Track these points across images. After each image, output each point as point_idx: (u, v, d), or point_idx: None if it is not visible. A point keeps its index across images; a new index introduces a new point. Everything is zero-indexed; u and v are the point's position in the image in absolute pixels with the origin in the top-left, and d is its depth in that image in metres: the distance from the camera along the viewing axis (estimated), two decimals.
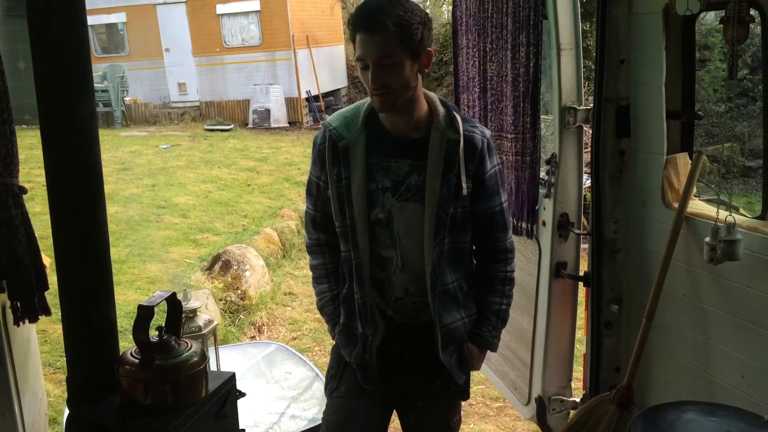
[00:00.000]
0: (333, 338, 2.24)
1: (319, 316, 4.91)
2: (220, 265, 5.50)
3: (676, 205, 2.32)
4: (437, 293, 2.03)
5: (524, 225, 2.75)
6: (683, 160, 2.40)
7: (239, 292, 5.32)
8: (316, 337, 4.94)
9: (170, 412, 1.45)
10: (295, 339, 4.96)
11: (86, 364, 1.53)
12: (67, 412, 2.49)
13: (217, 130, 13.22)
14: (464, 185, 2.00)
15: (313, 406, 2.73)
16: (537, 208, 2.71)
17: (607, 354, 2.53)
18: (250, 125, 13.78)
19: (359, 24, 1.86)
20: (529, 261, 2.79)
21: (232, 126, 13.58)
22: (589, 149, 2.59)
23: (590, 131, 2.60)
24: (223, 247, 5.91)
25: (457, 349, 2.11)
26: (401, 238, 2.04)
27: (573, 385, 2.84)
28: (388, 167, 2.01)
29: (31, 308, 1.95)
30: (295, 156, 10.57)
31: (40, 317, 1.99)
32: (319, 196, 2.13)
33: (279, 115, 13.81)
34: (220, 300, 5.12)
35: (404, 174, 2.01)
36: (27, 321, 1.95)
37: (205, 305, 4.48)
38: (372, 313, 2.08)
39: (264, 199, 8.10)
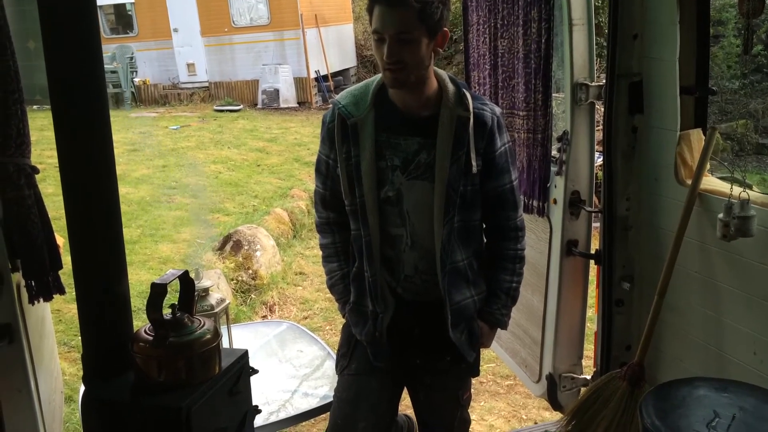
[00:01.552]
0: (343, 316, 2.25)
1: (329, 295, 4.94)
2: (231, 245, 5.53)
3: (689, 181, 2.30)
4: (447, 271, 2.04)
5: (535, 203, 2.73)
6: (697, 137, 2.38)
7: (250, 272, 5.35)
8: (327, 316, 4.97)
9: (184, 389, 1.46)
10: (306, 318, 4.99)
11: (101, 341, 1.54)
12: (82, 389, 2.53)
13: (227, 110, 13.21)
14: (474, 163, 1.99)
15: (325, 384, 2.75)
16: (548, 185, 2.69)
17: (618, 332, 2.53)
18: (259, 105, 13.76)
19: None
20: (540, 239, 2.78)
21: (241, 106, 13.56)
22: (601, 126, 2.57)
23: (602, 108, 2.57)
24: (234, 227, 5.94)
25: (467, 326, 2.11)
26: (411, 216, 2.04)
27: (584, 363, 2.84)
28: (397, 145, 2.01)
29: (45, 287, 1.96)
30: (305, 136, 10.56)
31: (54, 296, 2.01)
32: (329, 175, 2.13)
33: (288, 95, 13.77)
34: (232, 280, 5.16)
35: (413, 152, 2.00)
36: (41, 300, 1.97)
37: (216, 285, 4.50)
38: (382, 290, 2.09)
39: (274, 179, 8.11)
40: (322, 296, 5.29)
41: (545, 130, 2.67)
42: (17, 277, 1.94)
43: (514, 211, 2.12)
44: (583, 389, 2.65)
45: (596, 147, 2.74)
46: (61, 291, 2.01)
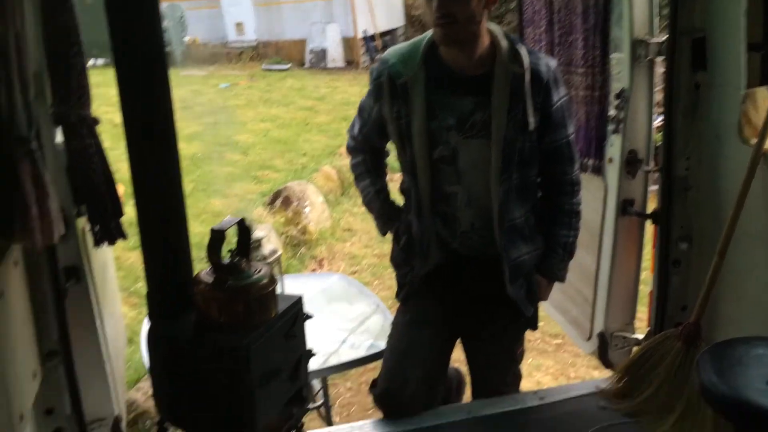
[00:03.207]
0: (382, 234, 2.27)
1: (378, 251, 4.99)
2: (281, 200, 5.61)
3: (753, 141, 2.22)
4: (505, 229, 2.03)
5: (591, 162, 2.68)
6: (763, 95, 2.28)
7: (300, 227, 5.42)
8: (376, 272, 5.02)
9: (243, 330, 1.50)
10: (354, 273, 5.05)
11: (164, 282, 1.60)
12: (143, 330, 2.62)
13: (275, 69, 13.25)
14: (531, 120, 1.96)
15: (371, 337, 2.77)
16: (604, 144, 2.64)
17: (674, 292, 2.49)
18: (306, 65, 13.76)
19: None
20: (594, 198, 2.73)
21: (289, 65, 13.58)
22: (662, 84, 2.49)
23: (663, 65, 2.50)
24: (284, 183, 6.01)
25: (525, 281, 2.11)
26: (466, 174, 2.02)
27: (636, 325, 2.81)
28: (450, 105, 1.97)
29: (108, 232, 2.04)
30: (352, 95, 10.54)
31: (117, 241, 2.08)
32: (366, 122, 2.14)
33: (335, 55, 13.72)
34: (282, 234, 5.25)
35: (468, 111, 1.97)
36: (105, 243, 2.05)
37: (267, 238, 4.58)
38: (428, 246, 2.09)
39: (322, 137, 8.15)
40: (370, 252, 5.35)
41: (603, 87, 2.60)
42: (82, 222, 2.02)
43: (570, 165, 2.09)
44: (635, 348, 2.63)
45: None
46: (124, 236, 2.09)
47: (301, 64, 13.90)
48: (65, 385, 1.93)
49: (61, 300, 1.87)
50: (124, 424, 2.24)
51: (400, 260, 2.20)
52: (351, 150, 2.27)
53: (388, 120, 2.03)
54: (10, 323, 1.56)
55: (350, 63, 13.86)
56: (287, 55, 14.20)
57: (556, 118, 2.03)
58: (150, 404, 2.99)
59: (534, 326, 2.26)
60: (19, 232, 1.50)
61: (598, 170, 2.65)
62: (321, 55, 13.63)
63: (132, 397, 3.04)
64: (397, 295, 2.27)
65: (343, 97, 10.52)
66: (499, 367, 2.31)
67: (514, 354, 2.29)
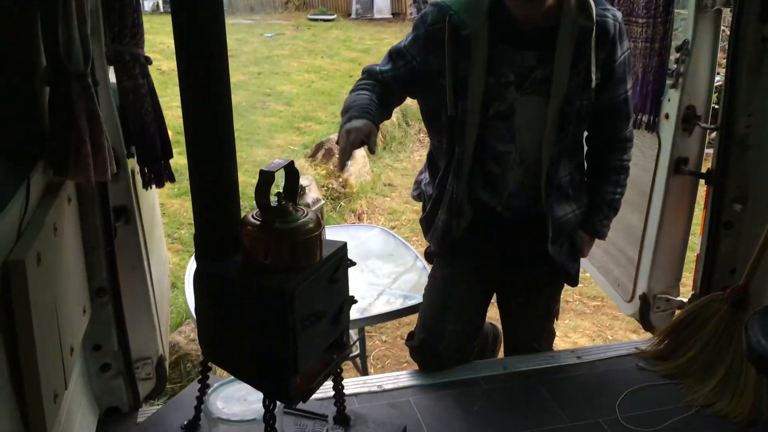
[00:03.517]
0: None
1: (417, 207, 4.95)
2: (322, 153, 5.62)
3: None
4: (553, 188, 1.98)
5: (645, 117, 2.59)
6: None
7: (341, 180, 5.43)
8: (415, 227, 5.02)
9: (288, 272, 1.51)
10: (393, 228, 5.06)
11: (212, 222, 1.61)
12: (187, 274, 2.68)
13: (320, 20, 13.13)
14: (593, 77, 1.88)
15: (406, 291, 2.75)
16: (661, 99, 2.54)
17: (723, 255, 2.42)
18: (353, 15, 13.59)
19: None
20: (645, 156, 2.65)
21: (335, 16, 13.44)
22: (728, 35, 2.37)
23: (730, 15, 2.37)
24: (326, 135, 6.00)
25: (567, 240, 2.07)
26: (521, 132, 1.95)
27: (681, 289, 2.75)
28: (512, 59, 1.88)
29: (157, 174, 2.06)
30: None
31: (165, 183, 2.10)
32: (399, 69, 1.95)
33: (382, 5, 13.52)
34: (322, 187, 5.27)
35: (529, 67, 1.88)
36: (154, 185, 2.07)
37: (310, 188, 4.61)
38: (460, 206, 2.05)
39: None
40: (410, 208, 5.34)
41: (664, 39, 2.48)
42: (132, 163, 2.04)
43: (626, 121, 2.03)
44: (678, 311, 2.58)
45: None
46: (172, 178, 2.11)
47: (348, 14, 13.73)
48: (113, 322, 1.98)
49: (111, 239, 1.91)
50: (167, 364, 2.30)
51: (425, 222, 2.16)
52: (361, 78, 2.01)
53: (447, 71, 1.90)
54: (63, 257, 1.59)
55: (396, 15, 13.65)
56: (333, 5, 14.05)
57: (617, 74, 1.95)
58: (191, 347, 3.07)
59: (575, 283, 2.23)
60: (73, 167, 1.53)
61: (653, 127, 2.56)
62: (368, 5, 13.45)
63: (174, 340, 3.13)
64: (426, 255, 2.25)
65: (388, 49, 10.38)
66: (534, 322, 2.29)
67: (551, 310, 2.27)
